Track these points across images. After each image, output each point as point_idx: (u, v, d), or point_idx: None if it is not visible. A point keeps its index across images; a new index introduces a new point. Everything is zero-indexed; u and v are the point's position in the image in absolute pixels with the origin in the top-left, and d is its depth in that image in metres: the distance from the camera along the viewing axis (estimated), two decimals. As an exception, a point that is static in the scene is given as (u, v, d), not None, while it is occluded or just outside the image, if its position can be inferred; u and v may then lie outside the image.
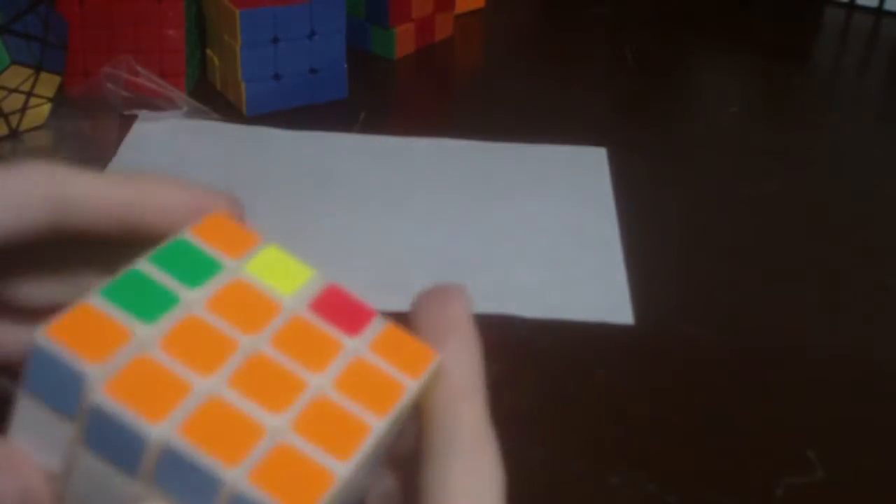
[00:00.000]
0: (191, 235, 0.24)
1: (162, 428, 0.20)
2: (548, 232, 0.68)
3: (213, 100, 0.82)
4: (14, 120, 0.75)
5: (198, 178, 0.83)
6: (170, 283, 0.23)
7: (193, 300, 0.23)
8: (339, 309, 0.24)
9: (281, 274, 0.24)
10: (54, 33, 0.76)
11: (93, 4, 0.79)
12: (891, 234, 0.72)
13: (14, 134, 0.76)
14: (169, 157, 0.75)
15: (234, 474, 0.19)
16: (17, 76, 0.72)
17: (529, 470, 0.50)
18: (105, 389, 0.20)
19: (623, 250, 0.66)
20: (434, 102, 0.90)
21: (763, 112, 0.90)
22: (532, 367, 0.57)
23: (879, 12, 1.09)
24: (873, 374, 0.58)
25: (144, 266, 0.23)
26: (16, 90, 0.73)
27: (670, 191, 0.75)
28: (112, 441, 0.20)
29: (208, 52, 0.86)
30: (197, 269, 0.23)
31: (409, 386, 0.23)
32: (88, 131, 0.77)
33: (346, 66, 0.84)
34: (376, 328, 0.24)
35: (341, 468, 0.20)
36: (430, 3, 0.94)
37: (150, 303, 0.22)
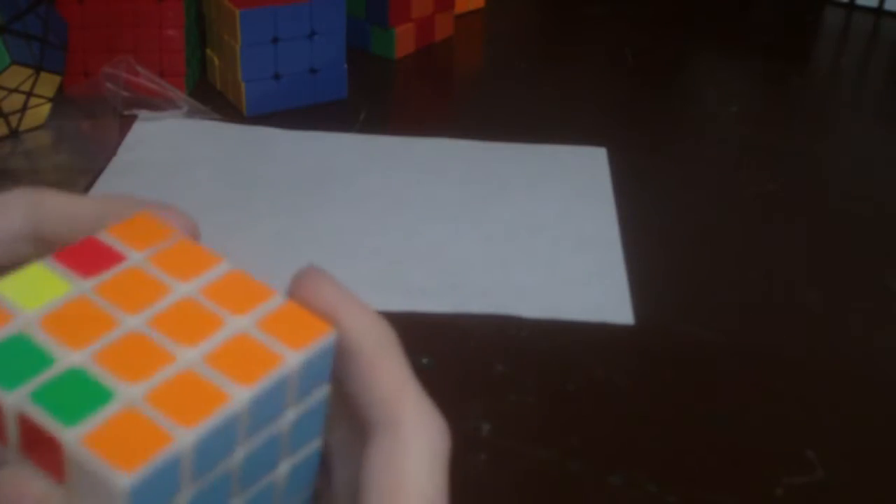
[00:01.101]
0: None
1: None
2: (548, 232, 0.68)
3: (213, 100, 0.82)
4: (14, 120, 0.75)
5: (198, 177, 0.82)
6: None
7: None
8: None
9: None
10: (54, 33, 0.76)
11: (93, 4, 0.79)
12: (891, 235, 0.72)
13: (14, 134, 0.76)
14: (169, 157, 0.75)
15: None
16: (17, 76, 0.72)
17: (529, 470, 0.50)
18: None
19: (623, 250, 0.66)
20: (434, 102, 0.90)
21: (763, 112, 0.90)
22: (532, 367, 0.57)
23: (879, 12, 1.09)
24: (873, 373, 0.58)
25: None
26: (16, 90, 0.73)
27: (670, 191, 0.75)
28: None
29: (208, 52, 0.86)
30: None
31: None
32: (88, 131, 0.77)
33: (346, 66, 0.84)
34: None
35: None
36: (430, 3, 0.94)
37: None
